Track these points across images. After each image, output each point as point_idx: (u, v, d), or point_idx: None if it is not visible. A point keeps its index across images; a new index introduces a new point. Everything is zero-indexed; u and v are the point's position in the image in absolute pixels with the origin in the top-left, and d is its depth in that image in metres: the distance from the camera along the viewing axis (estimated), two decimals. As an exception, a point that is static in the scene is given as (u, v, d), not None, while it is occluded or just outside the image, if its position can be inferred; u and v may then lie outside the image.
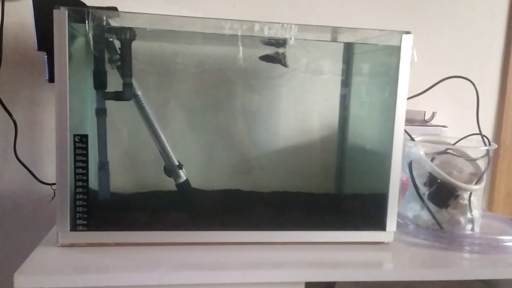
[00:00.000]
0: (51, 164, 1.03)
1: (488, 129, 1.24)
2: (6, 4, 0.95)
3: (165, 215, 0.81)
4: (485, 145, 0.87)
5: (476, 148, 0.88)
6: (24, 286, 0.61)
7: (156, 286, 0.66)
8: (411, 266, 0.74)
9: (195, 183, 0.89)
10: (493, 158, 1.23)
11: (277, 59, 0.85)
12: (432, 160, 0.86)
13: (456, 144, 0.91)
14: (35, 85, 1.01)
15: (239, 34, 0.75)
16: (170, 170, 0.86)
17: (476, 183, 0.84)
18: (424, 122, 1.08)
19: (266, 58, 0.84)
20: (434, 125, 1.07)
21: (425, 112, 1.08)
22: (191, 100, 0.96)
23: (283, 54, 0.85)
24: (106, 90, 0.79)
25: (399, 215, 0.86)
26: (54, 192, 0.72)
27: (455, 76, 0.87)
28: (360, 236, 0.79)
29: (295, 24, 0.74)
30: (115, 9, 0.79)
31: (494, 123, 1.25)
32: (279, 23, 0.74)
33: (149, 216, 0.80)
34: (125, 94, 0.80)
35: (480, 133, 0.87)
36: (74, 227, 0.72)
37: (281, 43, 0.82)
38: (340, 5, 1.12)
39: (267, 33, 0.74)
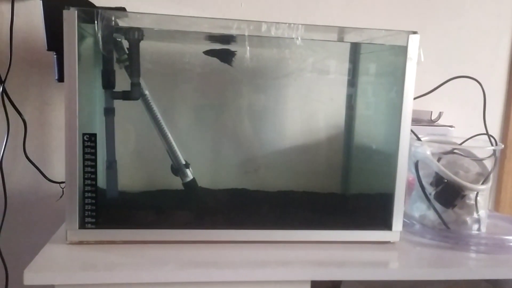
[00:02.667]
0: (60, 162, 1.04)
1: (495, 129, 1.23)
2: (16, 4, 0.96)
3: (172, 214, 0.82)
4: (492, 145, 0.87)
5: (482, 148, 0.88)
6: (34, 283, 0.62)
7: (163, 284, 0.66)
8: (417, 266, 0.74)
9: (202, 182, 0.90)
10: (500, 158, 1.22)
11: (220, 55, 0.84)
12: (438, 160, 0.86)
13: (463, 144, 0.91)
14: (44, 85, 1.02)
15: (246, 34, 0.76)
16: (177, 169, 0.87)
17: (482, 183, 0.83)
18: (431, 122, 1.08)
19: (210, 52, 0.84)
20: (441, 125, 1.07)
21: (431, 112, 1.08)
22: (198, 100, 0.97)
23: (232, 52, 0.85)
24: (114, 90, 0.80)
25: (405, 215, 0.86)
26: (63, 191, 0.73)
27: (462, 76, 0.87)
28: (366, 235, 0.80)
29: (302, 24, 0.75)
30: (123, 9, 0.80)
31: (501, 123, 1.24)
32: (286, 23, 0.74)
33: (157, 214, 0.81)
34: (133, 93, 0.80)
35: (487, 133, 0.87)
36: (82, 225, 0.73)
37: (227, 40, 0.83)
38: (346, 5, 1.12)
39: (274, 33, 0.74)
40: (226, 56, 0.85)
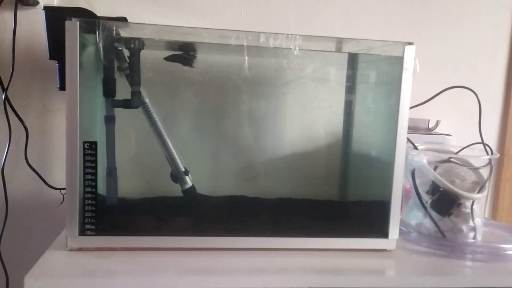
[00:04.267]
0: (60, 169, 1.05)
1: (492, 138, 1.24)
2: (19, 13, 0.98)
3: (172, 221, 0.83)
4: (488, 154, 0.87)
5: (478, 157, 0.88)
6: (34, 289, 0.63)
7: (162, 290, 0.67)
8: (413, 274, 0.75)
9: (201, 189, 0.91)
10: (497, 167, 1.23)
11: (182, 60, 0.86)
12: (435, 168, 0.87)
13: (459, 153, 0.92)
14: (46, 92, 1.03)
15: (245, 44, 0.77)
16: (177, 176, 0.88)
17: (478, 192, 0.84)
18: (428, 130, 1.09)
19: (170, 58, 0.85)
20: (438, 133, 1.08)
21: (429, 120, 1.09)
22: (198, 107, 0.98)
23: (193, 55, 0.86)
24: (115, 98, 0.81)
25: (402, 223, 0.86)
26: (63, 197, 0.74)
27: (458, 86, 0.88)
28: (362, 243, 0.80)
29: (300, 35, 0.76)
30: (124, 19, 0.81)
31: (499, 131, 1.25)
32: (284, 34, 0.76)
33: (156, 221, 0.82)
34: (134, 102, 0.81)
35: (483, 142, 0.88)
36: (82, 232, 0.74)
37: (187, 47, 0.84)
38: (344, 15, 1.13)
39: (272, 43, 0.75)
40: (187, 60, 0.86)
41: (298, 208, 0.95)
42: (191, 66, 0.87)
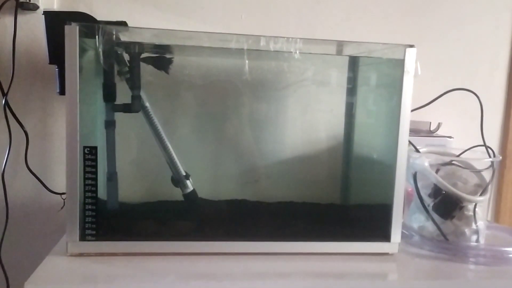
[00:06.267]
0: (61, 174, 1.05)
1: (494, 140, 1.24)
2: (19, 17, 0.98)
3: (173, 225, 0.83)
4: (490, 156, 0.87)
5: (480, 160, 0.88)
6: (35, 295, 0.62)
7: (163, 296, 0.67)
8: (416, 277, 0.74)
9: (202, 193, 0.90)
10: (499, 169, 1.23)
11: (156, 63, 0.84)
12: (437, 171, 0.87)
13: (461, 156, 0.91)
14: (46, 97, 1.03)
15: (245, 47, 0.77)
16: (178, 180, 0.88)
17: (481, 195, 0.84)
18: (430, 133, 1.09)
19: (146, 60, 0.83)
20: (440, 135, 1.07)
21: (430, 123, 1.09)
22: (198, 111, 0.98)
23: (169, 59, 0.84)
24: (115, 103, 0.81)
25: (404, 226, 0.86)
26: (64, 202, 0.73)
27: (459, 89, 0.88)
28: (364, 247, 0.80)
29: (300, 38, 0.76)
30: (124, 23, 0.81)
31: (500, 133, 1.25)
32: (285, 37, 0.75)
33: (157, 226, 0.81)
34: (134, 106, 0.81)
35: (485, 145, 0.88)
36: (83, 237, 0.73)
37: (164, 49, 0.83)
38: (345, 17, 1.13)
39: (272, 47, 0.75)
40: (162, 64, 0.84)
41: (300, 212, 0.95)
42: (166, 71, 0.85)
